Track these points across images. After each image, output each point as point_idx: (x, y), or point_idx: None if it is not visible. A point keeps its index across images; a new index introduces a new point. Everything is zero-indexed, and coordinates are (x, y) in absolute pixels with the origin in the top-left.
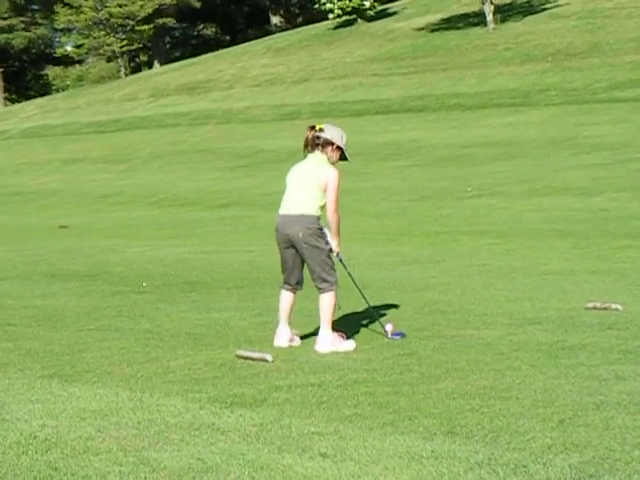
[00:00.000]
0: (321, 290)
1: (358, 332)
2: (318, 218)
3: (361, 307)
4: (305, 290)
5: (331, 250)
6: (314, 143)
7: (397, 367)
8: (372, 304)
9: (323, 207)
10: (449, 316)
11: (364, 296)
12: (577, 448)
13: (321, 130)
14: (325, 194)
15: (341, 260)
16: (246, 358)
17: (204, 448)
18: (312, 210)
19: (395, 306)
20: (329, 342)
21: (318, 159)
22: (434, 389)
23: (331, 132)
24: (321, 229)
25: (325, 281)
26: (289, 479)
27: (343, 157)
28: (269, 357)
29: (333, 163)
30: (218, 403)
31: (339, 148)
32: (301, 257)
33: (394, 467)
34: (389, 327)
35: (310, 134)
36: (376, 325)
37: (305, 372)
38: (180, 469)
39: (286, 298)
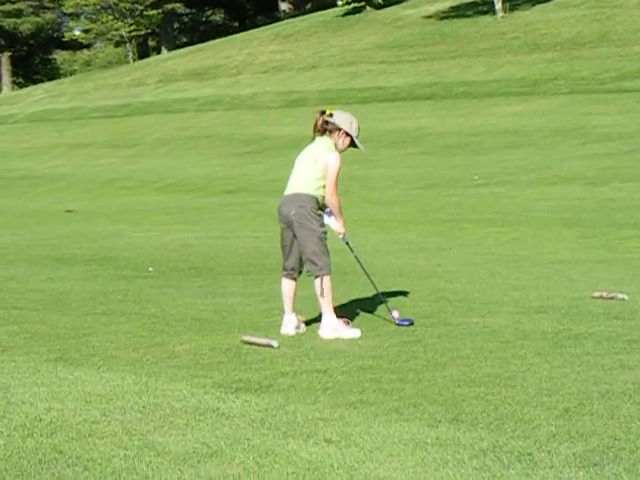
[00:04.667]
0: (309, 274)
1: (364, 319)
2: (315, 199)
3: (367, 293)
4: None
5: (325, 233)
6: (323, 128)
7: (403, 354)
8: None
9: (322, 189)
10: (455, 304)
11: (372, 281)
12: (582, 437)
13: (331, 115)
14: (324, 176)
15: (347, 243)
16: (252, 344)
17: (209, 433)
18: (308, 190)
19: (401, 293)
20: (331, 328)
21: (324, 143)
22: (439, 376)
23: (340, 118)
24: (318, 211)
25: (314, 264)
26: (294, 464)
27: (353, 144)
28: (275, 343)
29: (342, 150)
30: (223, 388)
31: (348, 135)
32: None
33: (399, 453)
34: (396, 314)
35: (320, 119)
36: (382, 312)
37: (311, 358)
38: (185, 453)
39: (285, 285)
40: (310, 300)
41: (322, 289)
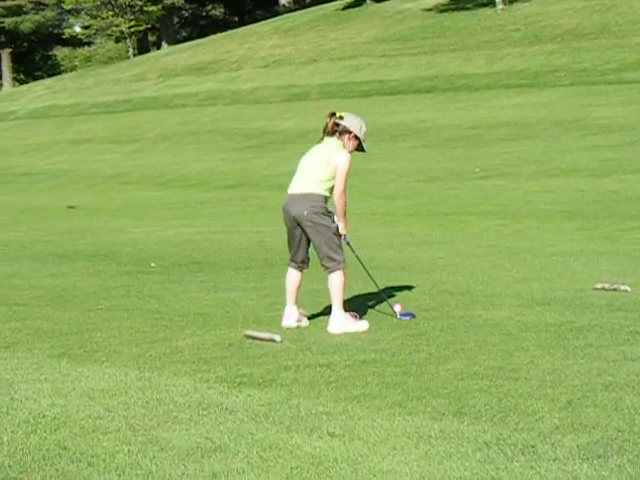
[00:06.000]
0: (328, 269)
1: (366, 313)
2: (325, 198)
3: (369, 288)
4: (313, 271)
5: (338, 230)
6: (332, 130)
7: (405, 347)
8: (381, 285)
9: (331, 189)
10: (457, 297)
11: (372, 278)
12: (585, 429)
13: (341, 118)
14: (334, 177)
15: (348, 243)
16: (254, 338)
17: (212, 427)
18: (318, 189)
19: (403, 287)
20: (340, 323)
21: (333, 144)
22: (442, 369)
23: (350, 121)
24: (327, 209)
25: (332, 260)
26: (297, 459)
27: (360, 147)
28: (277, 337)
29: (349, 152)
30: (226, 383)
31: (357, 138)
32: (307, 237)
33: (402, 447)
34: (397, 307)
35: (330, 121)
36: (384, 306)
37: (313, 352)
38: (188, 448)
39: (292, 276)
40: (314, 294)
41: (337, 283)
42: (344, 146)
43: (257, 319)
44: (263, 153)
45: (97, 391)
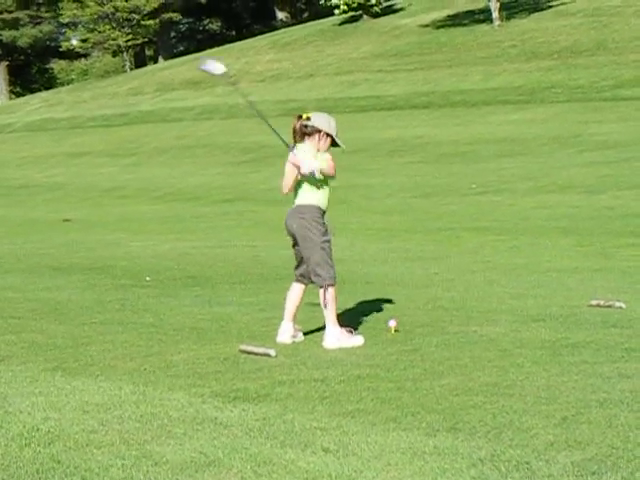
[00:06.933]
0: (316, 284)
1: (362, 328)
2: (316, 209)
3: (365, 302)
4: (309, 285)
5: (328, 242)
6: (302, 132)
7: (400, 363)
8: (376, 300)
9: (322, 196)
10: (452, 312)
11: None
12: (580, 445)
13: (308, 119)
14: (323, 181)
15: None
16: (249, 353)
17: (207, 442)
18: (307, 200)
19: (399, 302)
20: (334, 338)
21: (306, 150)
22: (437, 385)
23: (318, 120)
24: (320, 219)
25: (317, 275)
26: (292, 474)
27: (335, 144)
28: (272, 352)
29: (325, 151)
30: (221, 397)
31: (328, 135)
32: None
33: (397, 463)
34: (392, 323)
35: (297, 124)
36: (380, 320)
37: (308, 367)
38: (182, 463)
39: (295, 290)
40: (309, 308)
41: (325, 300)
42: (318, 149)
43: (252, 334)
44: (260, 167)
45: (91, 405)
